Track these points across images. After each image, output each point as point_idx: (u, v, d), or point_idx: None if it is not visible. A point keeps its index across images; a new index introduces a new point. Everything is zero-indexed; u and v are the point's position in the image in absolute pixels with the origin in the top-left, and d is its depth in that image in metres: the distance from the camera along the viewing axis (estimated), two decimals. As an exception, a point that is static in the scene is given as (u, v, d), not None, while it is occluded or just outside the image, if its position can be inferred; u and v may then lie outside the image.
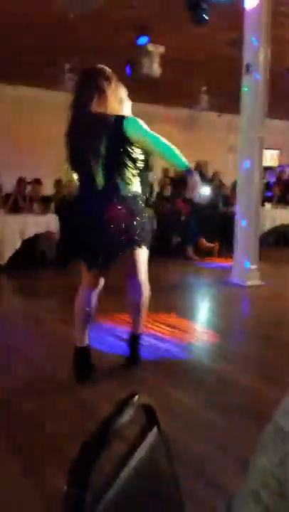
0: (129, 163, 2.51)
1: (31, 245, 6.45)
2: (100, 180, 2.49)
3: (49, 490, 1.67)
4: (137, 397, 0.69)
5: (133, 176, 2.55)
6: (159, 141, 2.49)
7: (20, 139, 9.66)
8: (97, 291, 2.72)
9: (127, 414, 0.64)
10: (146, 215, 2.68)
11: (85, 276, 2.71)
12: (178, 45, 6.71)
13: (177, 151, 2.48)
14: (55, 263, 6.53)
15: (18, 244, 6.16)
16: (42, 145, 9.96)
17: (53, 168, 9.29)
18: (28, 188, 7.23)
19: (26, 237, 6.25)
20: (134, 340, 2.90)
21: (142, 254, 2.65)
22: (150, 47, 6.32)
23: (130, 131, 2.45)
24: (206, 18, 4.62)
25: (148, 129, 2.50)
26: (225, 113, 11.79)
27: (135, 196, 2.57)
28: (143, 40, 6.21)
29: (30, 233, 6.27)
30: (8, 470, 1.87)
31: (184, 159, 2.49)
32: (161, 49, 6.44)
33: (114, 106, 2.56)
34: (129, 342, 2.92)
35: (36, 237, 6.44)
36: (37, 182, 7.30)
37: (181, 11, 5.43)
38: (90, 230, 2.54)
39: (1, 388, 2.62)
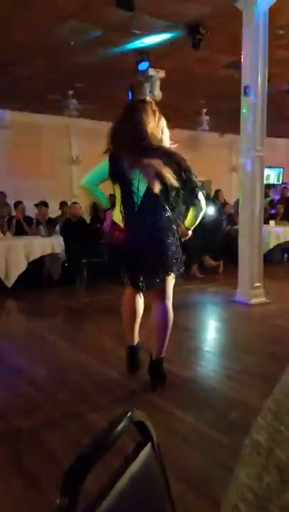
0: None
1: (37, 266, 6.52)
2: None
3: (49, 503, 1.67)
4: (130, 413, 0.72)
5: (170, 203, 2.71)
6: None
7: (22, 163, 9.84)
8: (141, 294, 2.89)
9: (120, 430, 0.67)
10: (177, 240, 2.81)
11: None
12: (178, 69, 6.89)
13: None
14: (60, 284, 6.58)
15: (24, 267, 6.23)
16: (44, 169, 10.15)
17: (56, 191, 9.52)
18: (24, 211, 7.30)
19: (32, 259, 6.32)
20: (158, 363, 2.88)
21: (171, 280, 2.81)
22: (151, 71, 6.49)
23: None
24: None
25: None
26: (227, 133, 11.97)
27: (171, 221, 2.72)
28: (144, 65, 6.38)
29: (35, 255, 6.35)
30: (10, 485, 1.87)
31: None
32: (161, 73, 6.61)
33: (157, 136, 2.67)
34: (153, 365, 2.88)
35: (42, 259, 6.51)
36: (43, 205, 7.42)
37: (180, 35, 5.60)
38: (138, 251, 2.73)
39: (4, 407, 2.63)
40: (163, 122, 2.74)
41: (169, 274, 2.75)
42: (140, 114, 2.65)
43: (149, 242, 2.68)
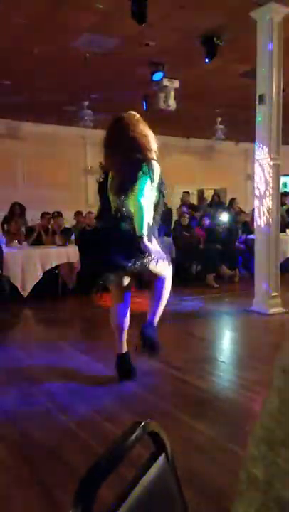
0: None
1: (52, 275, 6.56)
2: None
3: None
4: (144, 423, 0.71)
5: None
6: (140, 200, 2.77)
7: (39, 174, 9.99)
8: (127, 307, 3.14)
9: (134, 440, 0.66)
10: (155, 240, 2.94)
11: (114, 295, 3.18)
12: (192, 79, 6.93)
13: (144, 220, 2.74)
14: (75, 292, 6.60)
15: (39, 276, 6.28)
16: (60, 179, 10.28)
17: (72, 201, 9.62)
18: (51, 220, 7.41)
19: (47, 268, 6.37)
20: (146, 326, 3.04)
21: (160, 265, 2.94)
22: (165, 82, 6.53)
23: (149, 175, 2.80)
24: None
25: (148, 183, 2.77)
26: (242, 141, 11.95)
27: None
28: (158, 76, 6.43)
29: (51, 265, 6.40)
30: (25, 495, 1.87)
31: (144, 227, 2.73)
32: (176, 84, 6.65)
33: (148, 147, 2.88)
34: (146, 328, 3.04)
35: (57, 268, 6.55)
36: (59, 215, 7.50)
37: (195, 46, 5.64)
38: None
39: (18, 417, 2.64)
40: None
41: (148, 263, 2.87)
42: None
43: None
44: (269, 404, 0.45)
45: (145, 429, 0.71)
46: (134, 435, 0.67)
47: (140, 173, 2.78)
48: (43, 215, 7.46)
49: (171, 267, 3.11)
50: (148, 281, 3.08)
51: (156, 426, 0.76)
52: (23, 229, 7.19)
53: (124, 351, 3.22)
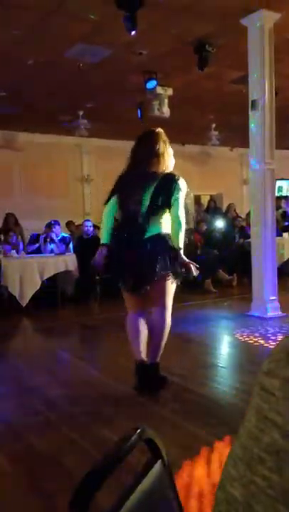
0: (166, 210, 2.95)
1: (51, 284, 6.56)
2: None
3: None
4: (139, 430, 0.71)
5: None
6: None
7: (35, 184, 10.02)
8: (141, 315, 3.05)
9: (129, 447, 0.67)
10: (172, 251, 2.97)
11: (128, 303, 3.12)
12: (186, 86, 6.98)
13: (181, 233, 2.90)
14: (74, 301, 6.60)
15: (38, 285, 6.28)
16: (57, 188, 10.32)
17: (69, 209, 9.65)
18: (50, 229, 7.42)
19: (46, 277, 6.37)
20: (149, 367, 3.00)
21: (168, 285, 2.97)
22: (159, 90, 6.58)
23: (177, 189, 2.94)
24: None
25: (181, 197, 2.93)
26: (236, 147, 12.02)
27: (164, 236, 2.97)
28: (152, 84, 6.48)
29: (49, 273, 6.40)
30: (25, 502, 1.86)
31: (180, 241, 2.90)
32: (169, 91, 6.70)
33: (167, 164, 3.04)
34: (147, 370, 2.99)
35: (55, 276, 6.55)
36: (56, 223, 7.50)
37: (187, 53, 5.70)
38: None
39: (19, 426, 2.63)
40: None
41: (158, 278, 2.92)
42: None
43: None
44: (248, 423, 0.45)
45: (141, 436, 0.72)
46: (130, 442, 0.67)
47: (173, 188, 2.91)
48: (49, 225, 7.49)
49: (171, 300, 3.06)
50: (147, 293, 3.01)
51: (152, 433, 0.76)
52: (19, 238, 7.20)
53: (139, 359, 3.02)
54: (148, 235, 2.93)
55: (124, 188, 3.05)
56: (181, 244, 2.92)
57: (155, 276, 2.89)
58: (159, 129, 3.11)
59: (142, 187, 2.97)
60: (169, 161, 3.06)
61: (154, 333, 3.01)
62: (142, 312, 3.07)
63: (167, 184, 2.94)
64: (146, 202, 2.94)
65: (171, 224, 2.94)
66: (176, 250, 2.92)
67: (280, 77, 5.47)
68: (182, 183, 2.97)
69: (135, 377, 3.04)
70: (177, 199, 2.91)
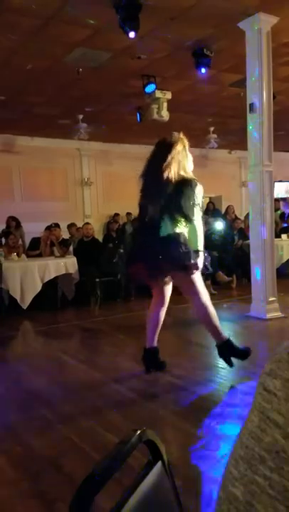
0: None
1: (51, 287, 6.59)
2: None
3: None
4: (139, 432, 0.73)
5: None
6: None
7: (35, 187, 10.06)
8: (163, 308, 3.43)
9: (129, 449, 0.69)
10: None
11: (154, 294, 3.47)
12: (184, 90, 7.02)
13: (198, 236, 3.15)
14: (74, 303, 6.62)
15: (38, 288, 6.30)
16: (57, 192, 10.35)
17: (69, 212, 9.68)
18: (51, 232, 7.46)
19: (46, 280, 6.39)
20: (225, 346, 3.46)
21: (187, 276, 3.19)
22: (158, 94, 6.62)
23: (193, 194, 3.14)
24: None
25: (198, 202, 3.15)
26: (235, 149, 12.06)
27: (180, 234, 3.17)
28: (150, 88, 6.51)
29: (50, 276, 6.42)
30: (26, 506, 1.89)
31: (199, 244, 3.14)
32: (168, 95, 6.73)
33: (183, 170, 3.21)
34: (219, 351, 3.48)
35: (56, 279, 6.58)
36: (57, 226, 7.53)
37: (185, 57, 5.73)
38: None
39: (19, 429, 2.65)
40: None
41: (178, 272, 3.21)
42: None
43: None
44: (250, 423, 0.45)
45: (141, 437, 0.73)
46: (130, 444, 0.69)
47: (190, 192, 3.10)
48: (50, 227, 7.52)
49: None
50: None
51: (152, 434, 0.78)
52: (20, 241, 7.23)
53: (151, 346, 3.45)
54: (162, 234, 3.14)
55: (144, 195, 3.27)
56: (201, 247, 3.14)
57: (168, 268, 3.14)
58: (179, 135, 3.30)
59: (158, 192, 3.15)
60: (186, 166, 3.22)
61: (201, 321, 3.43)
62: (160, 303, 3.42)
63: (184, 189, 3.10)
64: (163, 206, 3.12)
65: (188, 228, 3.14)
66: (188, 248, 3.10)
67: (278, 80, 5.51)
68: (198, 187, 3.13)
69: (143, 361, 3.47)
70: (193, 203, 3.10)
